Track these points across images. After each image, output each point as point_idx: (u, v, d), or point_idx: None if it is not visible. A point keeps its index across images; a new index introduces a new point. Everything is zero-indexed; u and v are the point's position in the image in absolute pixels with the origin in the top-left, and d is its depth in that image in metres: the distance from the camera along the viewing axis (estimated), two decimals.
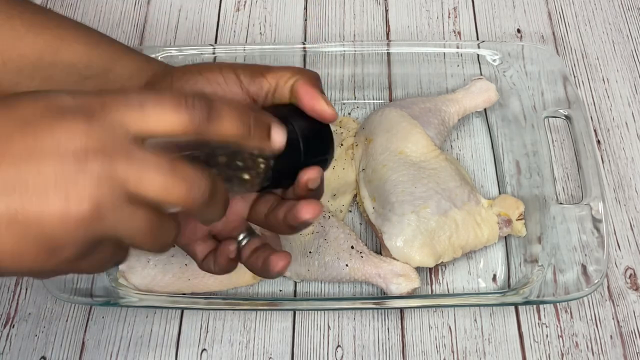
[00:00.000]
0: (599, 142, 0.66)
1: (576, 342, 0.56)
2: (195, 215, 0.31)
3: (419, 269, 0.56)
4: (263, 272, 0.41)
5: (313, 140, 0.38)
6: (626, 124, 0.67)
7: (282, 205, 0.40)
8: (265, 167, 0.36)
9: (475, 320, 0.57)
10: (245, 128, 0.32)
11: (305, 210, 0.38)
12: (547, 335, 0.56)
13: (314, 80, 0.39)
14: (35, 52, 0.41)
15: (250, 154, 0.36)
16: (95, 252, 0.29)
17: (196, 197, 0.29)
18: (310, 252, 0.55)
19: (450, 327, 0.57)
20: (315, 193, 0.39)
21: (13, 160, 0.26)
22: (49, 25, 0.42)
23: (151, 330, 0.57)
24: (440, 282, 0.59)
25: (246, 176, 0.36)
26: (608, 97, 0.69)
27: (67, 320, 0.57)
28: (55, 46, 0.41)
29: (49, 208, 0.26)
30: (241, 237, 0.43)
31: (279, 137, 0.35)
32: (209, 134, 0.30)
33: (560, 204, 0.56)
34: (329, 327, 0.57)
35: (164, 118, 0.29)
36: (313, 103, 0.38)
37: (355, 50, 0.67)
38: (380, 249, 0.58)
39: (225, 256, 0.41)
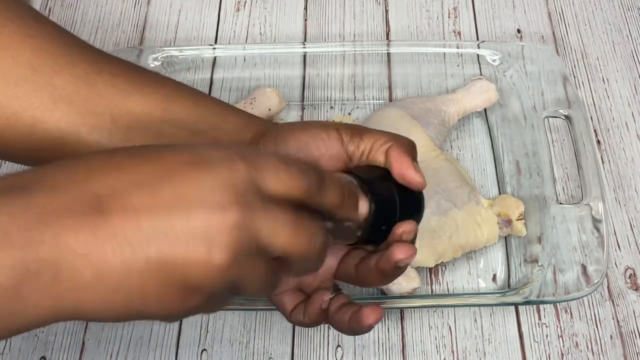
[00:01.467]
0: (599, 142, 0.66)
1: (576, 342, 0.56)
2: (299, 266, 0.33)
3: (419, 269, 0.56)
4: (351, 326, 0.40)
5: (407, 202, 0.40)
6: (626, 124, 0.67)
7: (374, 255, 0.40)
8: (364, 222, 0.38)
9: (475, 320, 0.57)
10: (343, 199, 0.35)
11: (400, 251, 0.38)
12: (547, 335, 0.56)
13: (408, 148, 0.41)
14: (144, 110, 0.41)
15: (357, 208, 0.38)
16: (223, 296, 0.31)
17: (315, 248, 0.32)
18: None
19: (450, 327, 0.57)
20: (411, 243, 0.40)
21: (163, 209, 0.27)
22: (155, 84, 0.43)
23: (151, 330, 0.57)
24: (440, 282, 0.59)
25: (345, 228, 0.38)
26: (608, 97, 0.69)
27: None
28: (164, 104, 0.42)
29: (195, 255, 0.27)
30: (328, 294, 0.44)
31: (363, 209, 0.38)
32: (316, 199, 0.33)
33: (560, 204, 0.56)
34: (328, 327, 0.57)
35: (289, 181, 0.31)
36: (403, 172, 0.39)
37: (355, 50, 0.67)
38: None
39: (317, 305, 0.42)
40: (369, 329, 0.40)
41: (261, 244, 0.29)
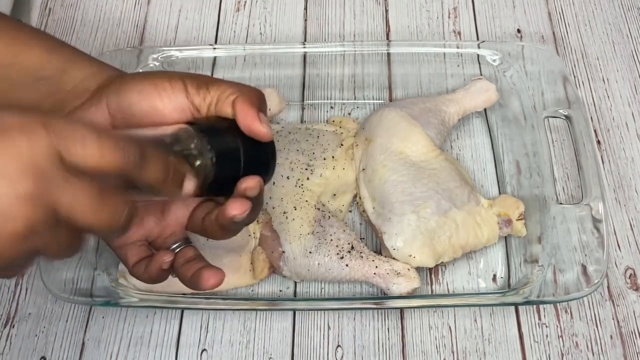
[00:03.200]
0: (599, 142, 0.66)
1: (576, 342, 0.56)
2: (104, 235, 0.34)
3: (419, 269, 0.56)
4: (192, 284, 0.42)
5: (254, 154, 0.40)
6: (626, 124, 0.67)
7: (217, 208, 0.41)
8: (202, 175, 0.38)
9: (475, 320, 0.57)
10: (165, 177, 0.35)
11: (234, 207, 0.39)
12: (547, 336, 0.56)
13: (254, 99, 0.40)
14: None
15: (192, 164, 0.38)
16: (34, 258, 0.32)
17: (117, 222, 0.32)
18: (310, 252, 0.55)
19: (450, 327, 0.57)
20: (254, 202, 0.40)
21: None
22: (8, 29, 0.43)
23: (151, 330, 0.57)
24: (440, 282, 0.59)
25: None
26: (608, 97, 0.69)
27: (67, 320, 0.57)
28: (15, 48, 0.42)
29: None
30: (176, 244, 0.44)
31: (189, 187, 0.37)
32: (134, 175, 0.33)
33: (560, 204, 0.56)
34: (329, 327, 0.57)
35: (99, 154, 0.31)
36: (248, 123, 0.39)
37: (355, 50, 0.67)
38: (380, 249, 0.58)
39: (158, 266, 0.42)
40: (209, 289, 0.41)
41: (60, 215, 0.30)
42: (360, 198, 0.60)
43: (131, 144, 0.32)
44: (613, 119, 0.68)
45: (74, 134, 0.30)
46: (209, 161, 0.38)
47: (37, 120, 0.30)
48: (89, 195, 0.31)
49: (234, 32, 0.75)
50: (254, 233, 0.57)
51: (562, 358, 0.55)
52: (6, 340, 0.56)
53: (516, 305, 0.57)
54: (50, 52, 0.44)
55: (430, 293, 0.58)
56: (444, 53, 0.66)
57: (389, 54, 0.68)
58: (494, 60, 0.65)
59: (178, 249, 0.44)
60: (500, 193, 0.63)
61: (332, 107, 0.69)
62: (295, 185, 0.58)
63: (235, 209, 0.39)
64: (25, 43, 0.43)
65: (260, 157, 0.41)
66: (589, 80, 0.70)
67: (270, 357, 0.55)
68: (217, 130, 0.39)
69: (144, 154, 0.33)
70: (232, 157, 0.39)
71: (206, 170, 0.38)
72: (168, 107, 0.40)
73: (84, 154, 0.30)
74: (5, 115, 0.30)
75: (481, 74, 0.67)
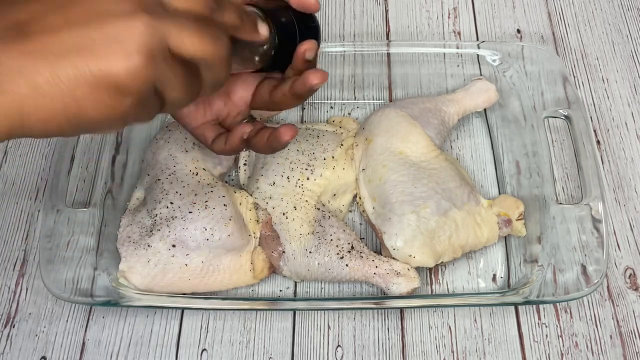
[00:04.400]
0: (598, 142, 0.66)
1: (576, 342, 0.56)
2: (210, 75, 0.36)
3: (419, 269, 0.56)
4: (270, 145, 0.45)
5: (306, 27, 0.45)
6: (626, 124, 0.67)
7: (287, 81, 0.45)
8: (267, 47, 0.43)
9: (475, 320, 0.57)
10: (240, 20, 0.39)
11: (314, 76, 0.42)
12: (547, 335, 0.56)
13: None
14: None
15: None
16: (150, 101, 0.34)
17: (220, 52, 0.35)
18: (310, 252, 0.55)
19: (450, 327, 0.57)
20: (312, 65, 0.45)
21: (76, 25, 0.31)
22: None
23: (151, 330, 0.57)
24: (440, 282, 0.59)
25: (250, 51, 0.43)
26: (608, 97, 0.69)
27: (67, 320, 0.57)
28: None
29: (114, 58, 0.31)
30: (245, 120, 0.49)
31: (263, 29, 0.42)
32: (217, 18, 0.36)
33: (560, 204, 0.56)
34: (329, 327, 0.57)
35: (201, 47, 0.34)
36: None
37: (355, 50, 0.67)
38: (380, 249, 0.58)
39: (239, 135, 0.47)
40: (285, 144, 0.45)
41: (172, 46, 0.33)
42: (360, 198, 0.60)
43: (223, 33, 0.36)
44: (613, 119, 0.68)
45: (176, 24, 0.33)
46: (272, 37, 0.43)
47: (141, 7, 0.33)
48: (192, 25, 0.33)
49: None
50: (254, 233, 0.57)
51: (562, 358, 0.55)
52: (6, 340, 0.56)
53: (516, 305, 0.57)
54: None
55: (430, 293, 0.58)
56: (444, 53, 0.66)
57: (389, 54, 0.68)
58: (494, 61, 0.65)
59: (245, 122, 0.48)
60: (500, 193, 0.63)
61: (332, 107, 0.69)
62: (296, 185, 0.58)
63: (316, 78, 0.42)
64: None
65: (310, 30, 0.45)
66: (588, 80, 0.70)
67: (270, 357, 0.55)
68: (274, 10, 0.44)
69: (224, 1, 0.37)
70: (289, 31, 0.44)
71: (269, 46, 0.43)
72: None
73: (186, 44, 0.33)
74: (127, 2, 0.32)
75: (481, 74, 0.67)
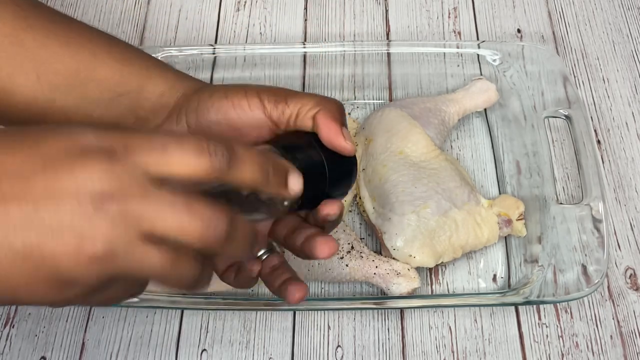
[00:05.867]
0: (599, 142, 0.66)
1: (576, 342, 0.56)
2: (219, 252, 0.31)
3: (419, 269, 0.56)
4: (278, 294, 0.42)
5: (337, 169, 0.39)
6: (626, 124, 0.67)
7: (301, 232, 0.40)
8: (294, 197, 0.37)
9: (475, 320, 0.57)
10: (264, 175, 0.33)
11: (321, 250, 0.39)
12: (547, 335, 0.56)
13: (336, 113, 0.39)
14: (70, 70, 0.41)
15: None
16: (110, 288, 0.30)
17: (212, 235, 0.29)
18: None
19: (450, 327, 0.57)
20: (333, 223, 0.41)
21: (33, 199, 0.27)
22: (84, 42, 0.42)
23: (151, 330, 0.57)
24: (440, 282, 0.59)
25: (272, 205, 0.37)
26: (608, 97, 0.69)
27: (67, 320, 0.57)
28: (91, 64, 0.42)
29: (63, 247, 0.27)
30: (261, 252, 0.44)
31: (296, 184, 0.35)
32: (229, 179, 0.31)
33: (560, 204, 0.56)
34: (329, 327, 0.57)
35: (186, 162, 0.29)
36: (331, 138, 0.38)
37: (355, 50, 0.67)
38: (380, 249, 0.58)
39: (248, 275, 0.43)
40: (293, 303, 0.42)
41: (147, 232, 0.28)
42: (360, 198, 0.60)
43: (217, 144, 0.30)
44: (613, 118, 0.68)
45: (155, 144, 0.29)
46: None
47: (119, 138, 0.29)
48: (174, 206, 0.29)
49: (234, 32, 0.75)
50: None
51: (562, 358, 0.55)
52: (6, 340, 0.56)
53: (516, 305, 0.57)
54: (126, 64, 0.43)
55: (430, 293, 0.58)
56: (444, 53, 0.66)
57: (389, 54, 0.68)
58: (494, 60, 0.65)
59: (264, 257, 0.44)
60: (500, 193, 0.63)
61: None
62: None
63: (324, 252, 0.39)
64: (99, 56, 0.42)
65: (343, 172, 0.40)
66: (589, 80, 0.70)
67: (270, 357, 0.55)
68: (299, 146, 0.38)
69: (234, 153, 0.31)
70: (316, 173, 0.38)
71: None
72: (247, 124, 0.40)
73: (168, 162, 0.29)
74: (88, 135, 0.29)
75: (481, 74, 0.67)
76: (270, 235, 0.43)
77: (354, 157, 0.40)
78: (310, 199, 0.39)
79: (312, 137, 0.39)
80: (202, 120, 0.40)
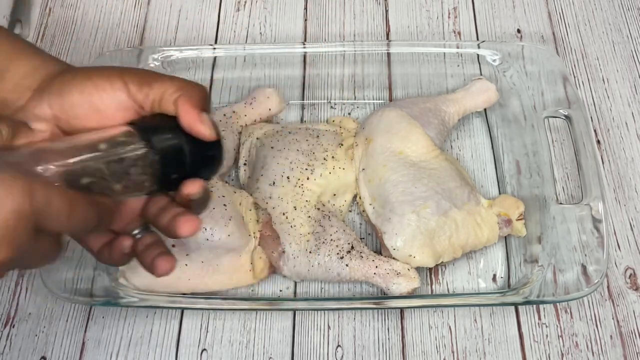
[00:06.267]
0: (599, 142, 0.66)
1: (576, 342, 0.56)
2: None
3: (419, 269, 0.56)
4: (150, 270, 0.43)
5: (199, 152, 0.40)
6: (626, 124, 0.67)
7: (168, 211, 0.41)
8: (153, 176, 0.39)
9: (475, 320, 0.57)
10: (86, 223, 0.37)
11: (182, 227, 0.40)
12: (547, 335, 0.56)
13: (197, 99, 0.40)
14: None
15: (137, 165, 0.38)
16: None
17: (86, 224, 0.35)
18: (310, 252, 0.55)
19: (450, 327, 0.57)
20: (199, 203, 0.41)
21: None
22: None
23: (151, 330, 0.57)
24: (440, 282, 0.59)
25: (138, 182, 0.39)
26: (608, 97, 0.69)
27: (67, 320, 0.57)
28: None
29: None
30: (136, 231, 0.44)
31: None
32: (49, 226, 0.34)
33: (560, 204, 0.56)
34: (329, 327, 0.57)
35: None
36: (190, 123, 0.39)
37: (355, 50, 0.67)
38: (380, 249, 0.58)
39: (119, 251, 0.43)
40: (161, 276, 0.42)
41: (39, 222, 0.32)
42: (360, 198, 0.60)
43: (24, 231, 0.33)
44: (613, 119, 0.68)
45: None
46: (153, 161, 0.38)
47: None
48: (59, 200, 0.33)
49: (234, 32, 0.75)
50: (254, 233, 0.57)
51: (562, 358, 0.55)
52: (6, 340, 0.56)
53: (516, 305, 0.57)
54: None
55: (430, 293, 0.58)
56: (444, 53, 0.66)
57: (389, 54, 0.68)
58: (494, 60, 0.65)
59: (138, 236, 0.44)
60: (500, 193, 0.63)
61: (332, 107, 0.69)
62: (295, 185, 0.58)
63: (185, 230, 0.40)
64: None
65: (206, 154, 0.41)
66: (589, 80, 0.70)
67: (270, 357, 0.55)
68: (161, 129, 0.39)
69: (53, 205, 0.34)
70: (177, 156, 0.39)
71: (152, 170, 0.39)
72: (110, 107, 0.40)
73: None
74: None
75: (481, 74, 0.67)
76: (142, 215, 0.44)
77: (219, 141, 0.41)
78: (174, 179, 0.40)
79: (176, 121, 0.40)
80: (65, 104, 0.40)
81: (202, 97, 0.41)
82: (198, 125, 0.39)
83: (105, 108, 0.40)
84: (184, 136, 0.40)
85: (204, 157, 0.41)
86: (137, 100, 0.40)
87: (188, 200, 0.41)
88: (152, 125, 0.40)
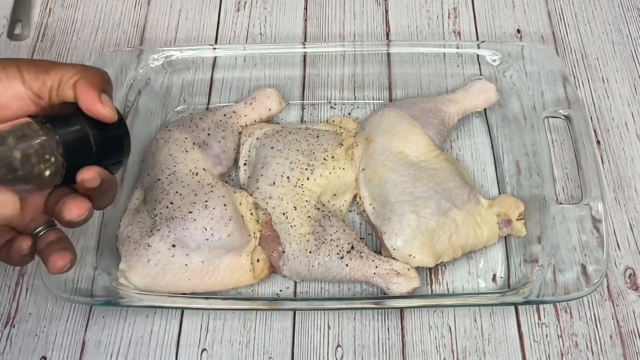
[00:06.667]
0: (598, 142, 0.66)
1: (576, 342, 0.56)
2: None
3: (418, 269, 0.56)
4: (48, 268, 0.41)
5: (104, 137, 0.39)
6: (626, 124, 0.67)
7: (61, 200, 0.40)
8: (56, 167, 0.37)
9: (475, 320, 0.57)
10: None
11: (70, 210, 0.38)
12: (546, 335, 0.56)
13: (95, 80, 0.39)
14: None
15: (39, 156, 0.37)
16: None
17: None
18: (310, 252, 0.55)
19: (450, 327, 0.57)
20: (100, 191, 0.40)
21: None
22: None
23: (151, 330, 0.57)
24: (440, 282, 0.59)
25: (41, 174, 0.37)
26: (608, 97, 0.69)
27: (67, 320, 0.57)
28: None
29: None
30: (39, 229, 0.43)
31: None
32: None
33: (560, 204, 0.56)
34: (329, 327, 0.57)
35: None
36: (89, 105, 0.38)
37: (355, 50, 0.67)
38: (380, 249, 0.58)
39: (18, 252, 0.41)
40: (56, 273, 0.41)
41: None
42: (360, 198, 0.60)
43: None
44: (613, 119, 0.68)
45: None
46: (56, 152, 0.37)
47: None
48: None
49: (234, 32, 0.75)
50: (254, 233, 0.57)
51: (562, 358, 0.55)
52: (6, 340, 0.56)
53: (516, 305, 0.57)
54: None
55: (430, 293, 0.58)
56: (444, 53, 0.66)
57: (389, 54, 0.68)
58: (494, 60, 0.65)
59: (41, 233, 0.43)
60: (500, 193, 0.63)
61: (332, 107, 0.69)
62: (295, 185, 0.58)
63: (71, 213, 0.38)
64: None
65: (111, 140, 0.40)
66: (588, 81, 0.70)
67: (270, 357, 0.55)
68: (61, 118, 0.38)
69: None
70: (80, 144, 0.38)
71: (54, 162, 0.37)
72: (6, 96, 0.39)
73: None
74: None
75: (481, 74, 0.67)
76: (45, 210, 0.42)
77: (123, 125, 0.40)
78: (79, 169, 0.39)
79: (77, 109, 0.39)
80: None
81: (102, 80, 0.40)
82: (98, 106, 0.38)
83: (0, 98, 0.39)
84: (85, 121, 0.38)
85: (109, 142, 0.40)
86: (34, 89, 0.39)
87: (87, 189, 0.39)
88: (52, 115, 0.38)
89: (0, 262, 0.43)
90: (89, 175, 0.38)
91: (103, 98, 0.39)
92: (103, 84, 0.40)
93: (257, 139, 0.63)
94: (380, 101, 0.69)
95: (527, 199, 0.59)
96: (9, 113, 0.39)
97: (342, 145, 0.62)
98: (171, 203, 0.55)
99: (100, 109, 0.38)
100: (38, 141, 0.37)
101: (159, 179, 0.57)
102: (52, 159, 0.37)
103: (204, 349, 0.56)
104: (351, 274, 0.55)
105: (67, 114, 0.39)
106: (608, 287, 0.59)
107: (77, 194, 0.39)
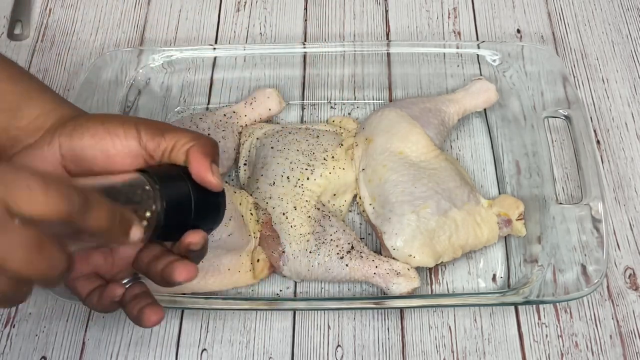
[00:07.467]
0: (598, 142, 0.66)
1: (576, 342, 0.56)
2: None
3: (418, 269, 0.56)
4: (136, 321, 0.42)
5: (205, 202, 0.41)
6: (626, 124, 0.67)
7: (163, 258, 0.41)
8: (152, 223, 0.38)
9: (475, 320, 0.57)
10: (109, 225, 0.34)
11: (179, 273, 0.40)
12: (546, 335, 0.56)
13: (208, 149, 0.41)
14: None
15: (140, 211, 0.38)
16: None
17: (53, 274, 0.32)
18: (310, 252, 0.55)
19: (450, 327, 0.57)
20: (197, 254, 0.42)
21: None
22: None
23: (151, 330, 0.57)
24: (440, 282, 0.59)
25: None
26: (608, 97, 0.69)
27: (67, 320, 0.57)
28: None
29: None
30: (125, 280, 0.45)
31: (136, 235, 0.37)
32: (79, 222, 0.32)
33: (560, 204, 0.56)
34: (329, 327, 0.57)
35: (44, 203, 0.30)
36: (200, 173, 0.40)
37: (355, 50, 0.67)
38: (380, 249, 0.58)
39: (109, 298, 0.43)
40: (149, 327, 0.43)
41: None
42: (360, 198, 0.60)
43: (76, 191, 0.32)
44: (612, 119, 0.68)
45: (20, 181, 0.30)
46: (159, 209, 0.38)
47: None
48: (26, 244, 0.30)
49: (234, 32, 0.75)
50: (254, 233, 0.57)
51: (562, 358, 0.55)
52: (6, 340, 0.56)
53: (516, 305, 0.57)
54: (8, 82, 0.44)
55: (430, 293, 0.58)
56: (444, 53, 0.66)
57: (389, 54, 0.68)
58: (494, 61, 0.65)
59: (127, 284, 0.44)
60: (500, 193, 0.63)
61: (332, 107, 0.69)
62: (295, 185, 0.58)
63: (182, 275, 0.40)
64: None
65: (210, 206, 0.42)
66: (588, 81, 0.70)
67: (270, 357, 0.55)
68: (168, 177, 0.40)
69: (90, 202, 0.33)
70: (182, 205, 0.40)
71: (156, 218, 0.38)
72: (121, 153, 0.41)
73: (29, 200, 0.30)
74: None
75: (481, 74, 0.67)
76: (134, 264, 0.44)
77: (223, 193, 0.42)
78: (176, 229, 0.40)
79: (183, 170, 0.40)
80: (75, 145, 0.41)
81: (213, 148, 0.42)
82: (208, 174, 0.40)
83: (115, 153, 0.41)
84: (191, 186, 0.40)
85: (208, 207, 0.42)
86: (148, 148, 0.41)
87: (187, 251, 0.41)
88: (161, 173, 0.40)
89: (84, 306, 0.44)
90: (196, 239, 0.40)
91: (213, 168, 0.41)
92: (214, 154, 0.42)
93: (257, 139, 0.63)
94: (380, 101, 0.69)
95: (527, 199, 0.59)
96: (120, 167, 0.41)
97: (342, 145, 0.62)
98: None
99: (210, 177, 0.40)
100: (147, 198, 0.38)
101: None
102: (154, 217, 0.38)
103: (204, 349, 0.56)
104: (351, 274, 0.55)
105: (174, 174, 0.40)
106: (608, 287, 0.59)
107: (179, 257, 0.41)
